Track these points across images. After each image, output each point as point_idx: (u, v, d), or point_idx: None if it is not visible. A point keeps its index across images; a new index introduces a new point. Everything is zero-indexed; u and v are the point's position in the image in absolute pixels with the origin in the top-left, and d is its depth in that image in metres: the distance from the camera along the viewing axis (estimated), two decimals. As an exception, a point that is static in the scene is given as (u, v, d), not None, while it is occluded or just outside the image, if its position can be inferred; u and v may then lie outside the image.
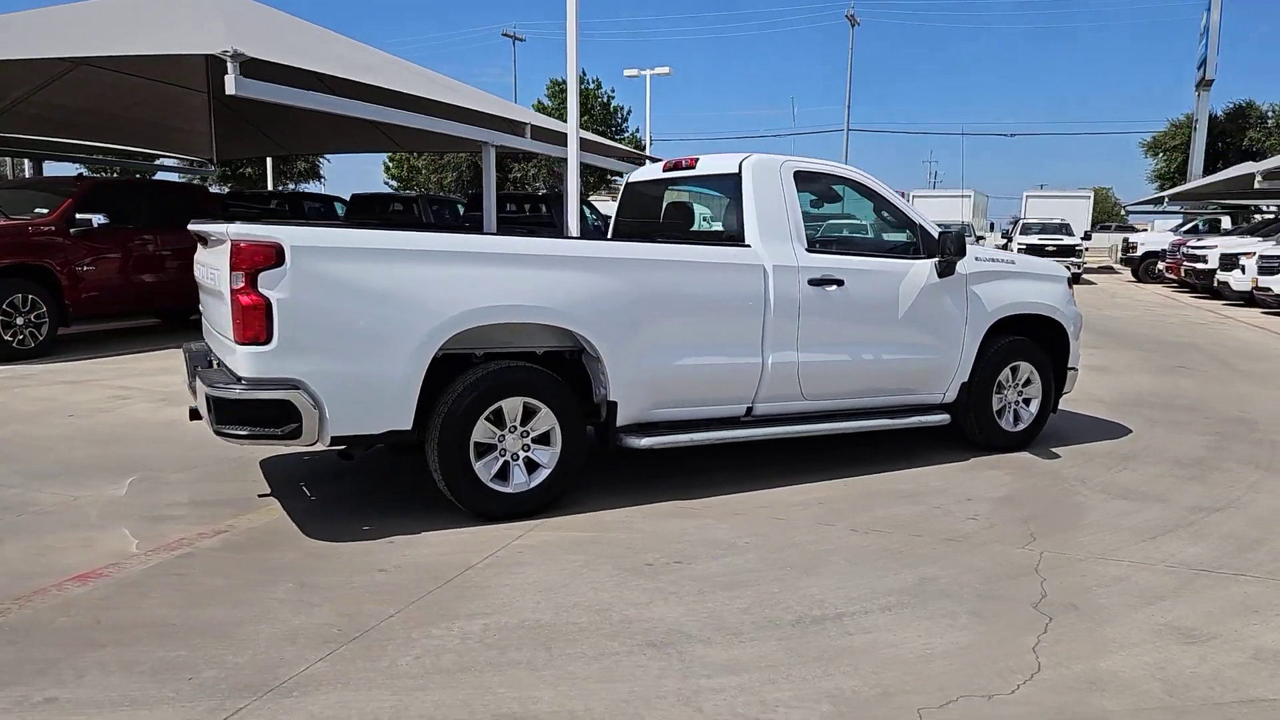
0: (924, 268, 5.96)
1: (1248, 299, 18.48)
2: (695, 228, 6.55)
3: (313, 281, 4.35)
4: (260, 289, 4.26)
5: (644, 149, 32.69)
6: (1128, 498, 5.49)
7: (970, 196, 39.36)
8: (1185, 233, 28.25)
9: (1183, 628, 3.69)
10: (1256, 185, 12.55)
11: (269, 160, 27.39)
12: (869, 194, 6.17)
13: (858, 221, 7.84)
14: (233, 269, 4.28)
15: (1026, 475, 5.95)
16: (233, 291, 4.30)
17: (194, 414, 5.13)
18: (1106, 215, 53.26)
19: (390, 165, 44.27)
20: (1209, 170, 34.88)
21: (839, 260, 5.73)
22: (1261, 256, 17.87)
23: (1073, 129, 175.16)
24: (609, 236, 7.13)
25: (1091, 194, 38.60)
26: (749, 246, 5.48)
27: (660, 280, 5.13)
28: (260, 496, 5.31)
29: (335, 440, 4.49)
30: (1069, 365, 6.70)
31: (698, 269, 5.29)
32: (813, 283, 5.53)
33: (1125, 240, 31.77)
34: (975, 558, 4.46)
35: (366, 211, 17.80)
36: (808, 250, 5.60)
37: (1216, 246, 21.38)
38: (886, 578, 4.18)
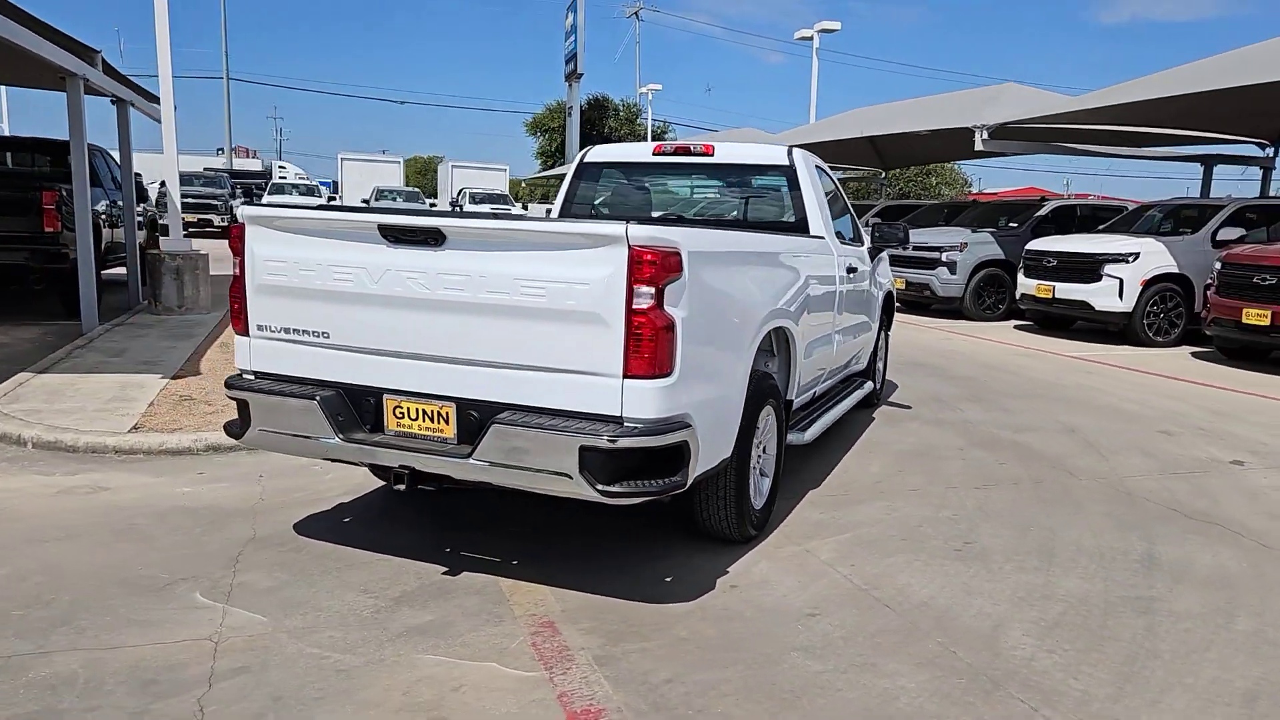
0: (866, 253, 6.78)
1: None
2: (698, 214, 6.34)
3: (700, 293, 3.54)
4: (667, 307, 3.34)
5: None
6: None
7: (505, 170, 40.20)
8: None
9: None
10: (979, 146, 14.35)
11: None
12: (836, 185, 6.70)
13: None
14: (635, 282, 3.27)
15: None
16: (636, 311, 3.28)
17: (398, 476, 3.63)
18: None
19: None
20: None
21: (847, 249, 6.23)
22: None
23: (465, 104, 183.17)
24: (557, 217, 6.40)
25: (507, 167, 42.23)
26: (822, 238, 5.69)
27: (814, 272, 5.12)
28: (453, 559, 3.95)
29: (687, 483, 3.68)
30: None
31: (824, 261, 5.38)
32: (847, 270, 5.97)
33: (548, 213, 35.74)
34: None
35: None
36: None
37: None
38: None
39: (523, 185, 53.43)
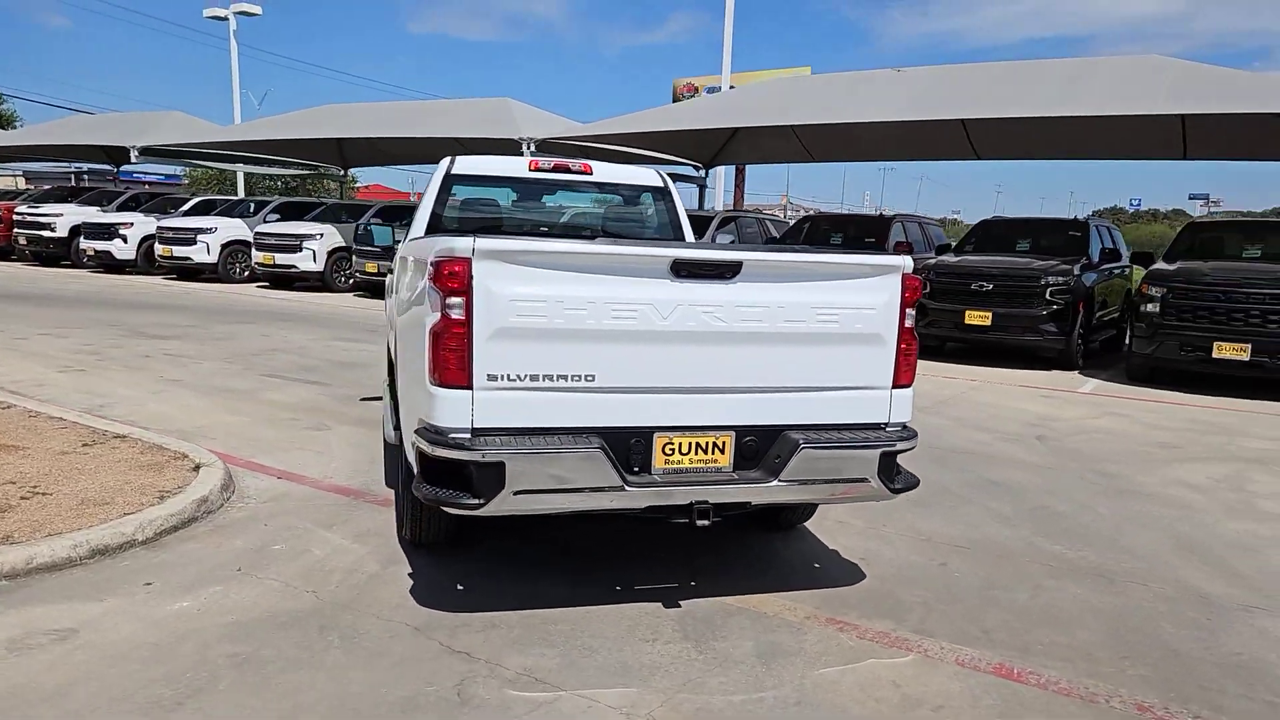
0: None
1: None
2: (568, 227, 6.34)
3: None
4: (911, 324, 3.94)
5: None
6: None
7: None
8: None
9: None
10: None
11: None
12: None
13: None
14: (905, 305, 3.80)
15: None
16: (905, 330, 3.82)
17: (701, 513, 3.56)
18: None
19: None
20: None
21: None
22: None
23: None
24: (423, 233, 5.87)
25: None
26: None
27: None
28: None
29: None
30: None
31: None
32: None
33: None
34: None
35: None
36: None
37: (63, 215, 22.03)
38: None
39: None
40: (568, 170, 6.14)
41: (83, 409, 6.93)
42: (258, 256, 19.38)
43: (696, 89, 34.43)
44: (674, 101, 33.25)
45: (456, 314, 3.34)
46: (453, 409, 3.40)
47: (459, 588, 4.05)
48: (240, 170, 29.91)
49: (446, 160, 6.00)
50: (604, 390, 3.51)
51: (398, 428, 5.17)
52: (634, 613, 3.84)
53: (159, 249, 20.53)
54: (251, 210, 21.76)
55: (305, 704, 3.04)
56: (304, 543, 4.50)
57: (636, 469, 3.59)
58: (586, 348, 3.46)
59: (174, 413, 7.13)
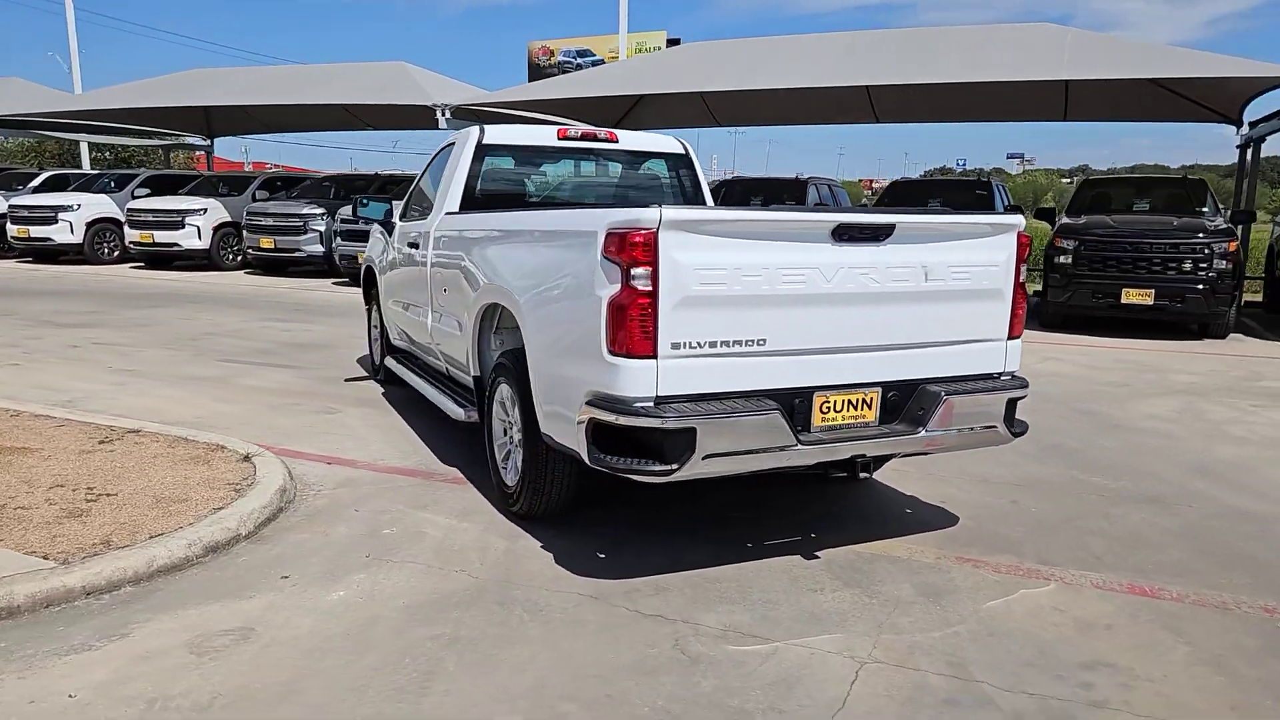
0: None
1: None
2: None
3: None
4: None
5: None
6: None
7: None
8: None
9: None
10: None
11: None
12: None
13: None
14: (1019, 261, 4.08)
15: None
16: (1019, 284, 4.11)
17: (863, 466, 3.76)
18: None
19: None
20: None
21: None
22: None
23: None
24: (458, 207, 5.72)
25: None
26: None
27: None
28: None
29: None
30: None
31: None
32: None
33: None
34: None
35: None
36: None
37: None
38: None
39: None
40: (595, 139, 6.13)
41: (52, 405, 6.42)
42: (133, 235, 18.10)
43: (553, 52, 34.15)
44: (529, 64, 32.92)
45: (643, 285, 3.37)
46: (638, 379, 3.44)
47: (600, 555, 4.10)
48: (84, 140, 27.57)
49: (474, 130, 5.87)
50: (774, 354, 3.63)
51: (471, 404, 5.12)
52: (783, 566, 4.00)
53: (13, 229, 18.90)
54: (113, 185, 20.24)
55: (546, 675, 3.05)
56: (411, 525, 4.41)
57: (799, 428, 3.73)
58: (760, 313, 3.57)
59: (160, 405, 6.71)
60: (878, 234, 3.72)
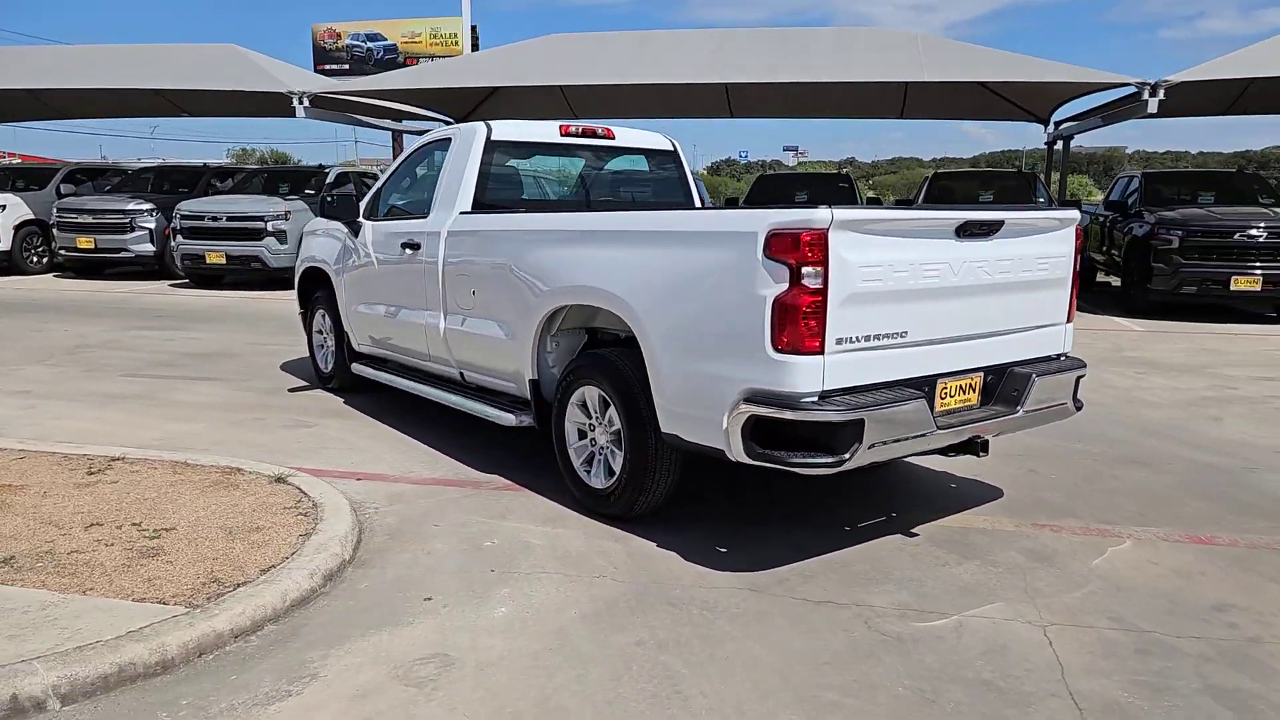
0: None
1: None
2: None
3: None
4: None
5: None
6: None
7: None
8: None
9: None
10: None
11: None
12: None
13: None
14: (1076, 252, 4.50)
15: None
16: (1076, 273, 4.53)
17: (983, 446, 4.06)
18: None
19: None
20: None
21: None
22: None
23: None
24: (470, 206, 5.49)
25: None
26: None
27: None
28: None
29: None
30: None
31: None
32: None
33: None
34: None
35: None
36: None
37: None
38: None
39: None
40: (594, 135, 6.09)
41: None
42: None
43: (339, 34, 32.96)
44: (314, 47, 31.50)
45: (814, 283, 3.47)
46: (806, 374, 3.54)
47: (721, 550, 4.16)
48: None
49: (480, 127, 5.68)
50: (912, 344, 3.84)
51: (518, 409, 4.99)
52: (895, 545, 4.22)
53: None
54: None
55: (783, 668, 3.11)
56: (508, 536, 4.28)
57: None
58: (904, 307, 3.76)
59: (98, 427, 6.05)
60: (990, 229, 4.00)
